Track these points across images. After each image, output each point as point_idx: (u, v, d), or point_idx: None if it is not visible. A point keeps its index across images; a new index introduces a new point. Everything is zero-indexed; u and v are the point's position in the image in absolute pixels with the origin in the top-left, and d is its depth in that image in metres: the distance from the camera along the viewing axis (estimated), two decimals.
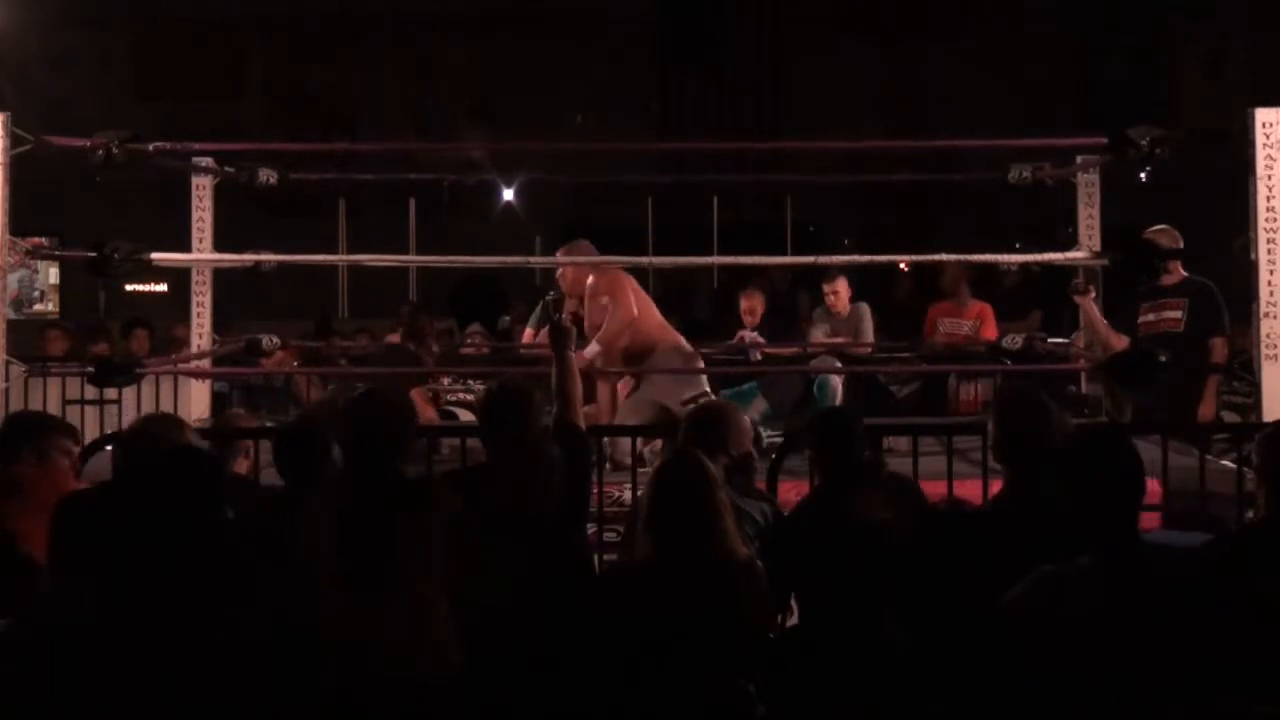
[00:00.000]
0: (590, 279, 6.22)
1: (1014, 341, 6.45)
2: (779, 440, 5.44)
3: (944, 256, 6.12)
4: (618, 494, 4.89)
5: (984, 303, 8.04)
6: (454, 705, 3.06)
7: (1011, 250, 6.24)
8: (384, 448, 3.36)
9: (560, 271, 6.33)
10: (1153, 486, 3.11)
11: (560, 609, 3.36)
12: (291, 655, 3.00)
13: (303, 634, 3.03)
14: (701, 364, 6.42)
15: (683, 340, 6.35)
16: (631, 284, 6.27)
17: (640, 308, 6.19)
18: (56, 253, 8.17)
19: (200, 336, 7.06)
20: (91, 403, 7.10)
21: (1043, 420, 3.56)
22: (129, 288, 14.17)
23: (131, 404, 6.96)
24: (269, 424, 5.43)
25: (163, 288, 13.92)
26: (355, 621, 3.10)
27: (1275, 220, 5.06)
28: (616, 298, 6.13)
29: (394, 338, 8.62)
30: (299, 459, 3.76)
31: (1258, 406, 5.15)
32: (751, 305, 7.57)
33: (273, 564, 3.19)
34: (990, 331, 7.82)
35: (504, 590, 3.30)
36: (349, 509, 3.21)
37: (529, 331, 7.62)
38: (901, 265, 10.05)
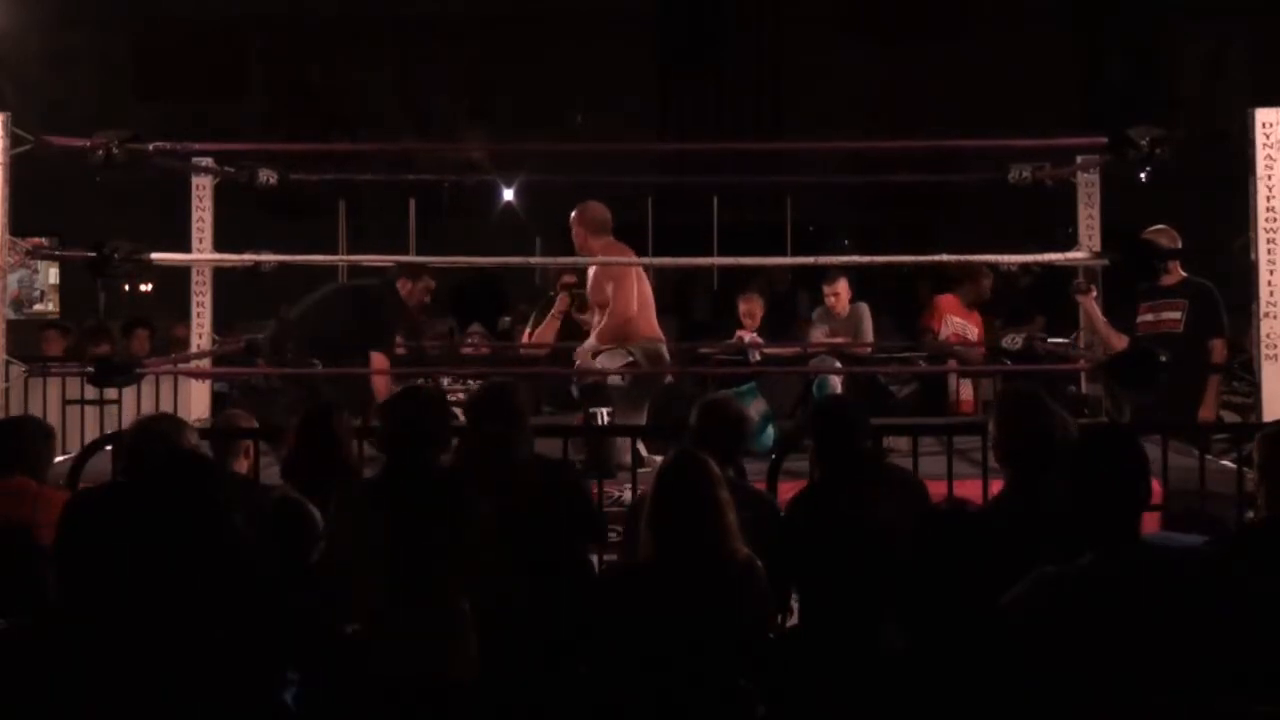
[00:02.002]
0: (596, 251, 6.24)
1: (1014, 341, 6.45)
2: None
3: (944, 257, 6.12)
4: (618, 494, 4.89)
5: (976, 312, 8.08)
6: (471, 708, 3.05)
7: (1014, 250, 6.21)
8: (422, 446, 3.34)
9: (576, 231, 6.34)
10: (1153, 486, 3.11)
11: (559, 610, 3.36)
12: (307, 654, 3.00)
13: (323, 634, 3.02)
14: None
15: (663, 343, 6.38)
16: (638, 274, 6.30)
17: (640, 301, 6.23)
18: (56, 253, 8.17)
19: (200, 336, 7.06)
20: (91, 403, 7.11)
21: (1045, 421, 3.56)
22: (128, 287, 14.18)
23: (131, 404, 6.96)
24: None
25: (148, 288, 13.90)
26: (390, 622, 3.09)
27: (1275, 220, 5.06)
28: (620, 291, 6.16)
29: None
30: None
31: (1258, 406, 5.15)
32: (750, 309, 7.57)
33: (288, 562, 3.18)
34: (981, 343, 7.90)
35: (504, 590, 3.30)
36: (390, 510, 3.19)
37: (528, 332, 7.62)
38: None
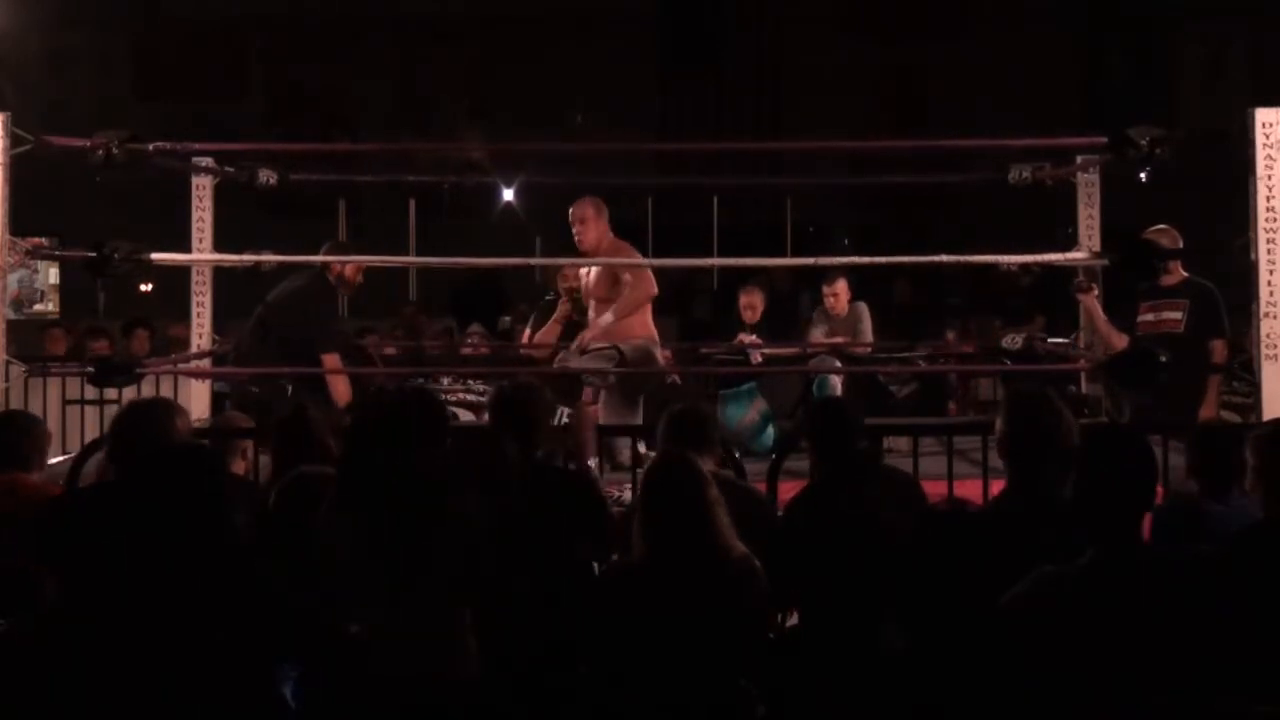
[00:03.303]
0: (609, 247, 6.25)
1: (1014, 341, 6.45)
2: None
3: (944, 257, 6.12)
4: (618, 494, 4.89)
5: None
6: (471, 709, 3.04)
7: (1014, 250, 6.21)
8: (418, 447, 3.31)
9: (578, 235, 6.35)
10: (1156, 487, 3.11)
11: (560, 610, 3.35)
12: (308, 652, 2.99)
13: (324, 632, 3.01)
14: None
15: (656, 344, 6.38)
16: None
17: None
18: (56, 253, 8.17)
19: (200, 336, 7.06)
20: (91, 403, 7.10)
21: (1054, 420, 3.55)
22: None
23: None
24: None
25: (148, 288, 13.91)
26: (388, 622, 3.08)
27: (1275, 220, 5.06)
28: (639, 274, 6.18)
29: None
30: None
31: (1258, 406, 5.15)
32: (751, 301, 7.58)
33: (285, 563, 3.18)
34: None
35: (504, 590, 3.29)
36: (384, 511, 3.17)
37: (528, 332, 7.63)
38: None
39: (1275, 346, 5.06)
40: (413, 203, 14.29)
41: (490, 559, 3.20)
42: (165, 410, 3.92)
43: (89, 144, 5.52)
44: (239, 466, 4.38)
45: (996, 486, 3.87)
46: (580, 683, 3.26)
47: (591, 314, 6.38)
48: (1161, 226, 6.10)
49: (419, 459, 3.29)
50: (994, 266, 7.05)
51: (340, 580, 3.16)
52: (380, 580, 3.09)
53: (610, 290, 6.25)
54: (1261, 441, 3.43)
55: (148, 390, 7.01)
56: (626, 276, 6.18)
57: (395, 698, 3.02)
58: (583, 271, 6.54)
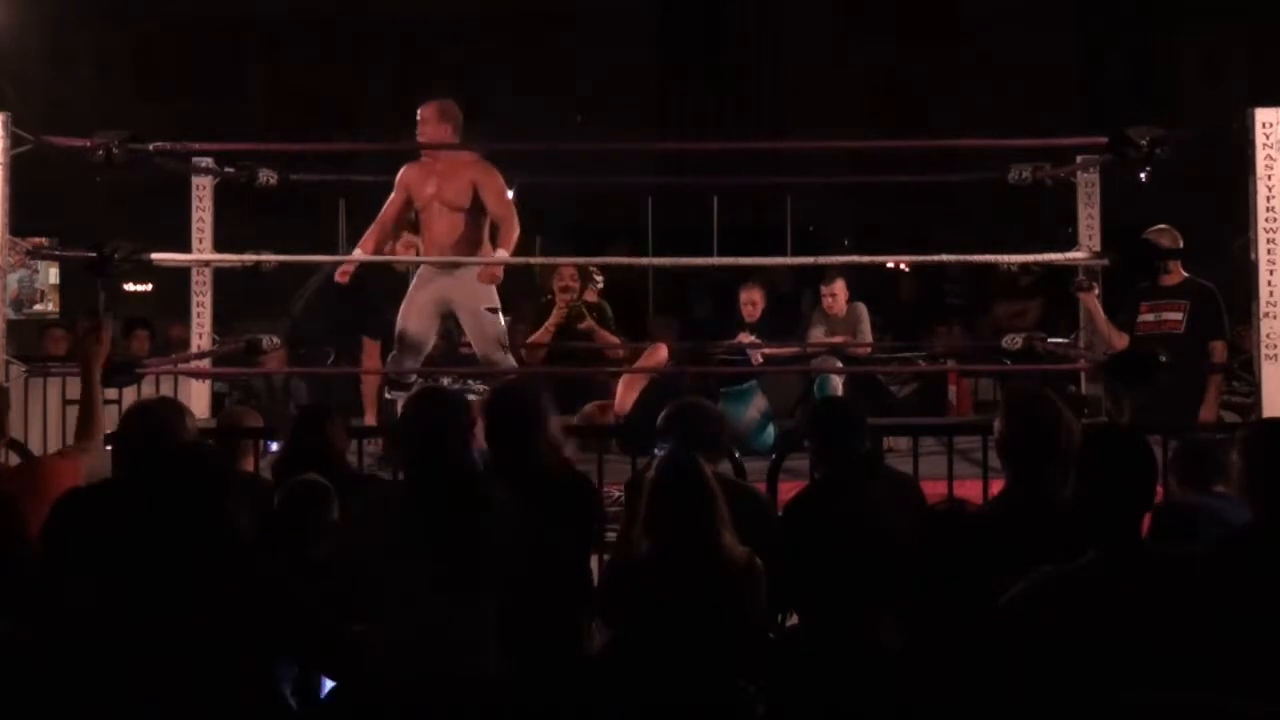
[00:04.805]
0: (462, 158, 6.28)
1: (1014, 341, 6.45)
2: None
3: (944, 257, 6.12)
4: (617, 493, 4.88)
5: None
6: (489, 707, 3.04)
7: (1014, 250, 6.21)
8: (452, 445, 3.30)
9: (437, 127, 6.38)
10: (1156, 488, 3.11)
11: (563, 611, 3.36)
12: (312, 653, 2.99)
13: (328, 632, 3.01)
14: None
15: None
16: None
17: None
18: (56, 253, 8.17)
19: (200, 336, 7.06)
20: None
21: (1054, 420, 3.55)
22: (128, 287, 14.18)
23: None
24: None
25: (148, 288, 13.88)
26: (423, 622, 3.07)
27: (1275, 220, 5.06)
28: (507, 199, 6.11)
29: None
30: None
31: (1258, 406, 5.15)
32: (751, 298, 7.59)
33: (289, 563, 3.18)
34: None
35: (521, 590, 3.29)
36: (425, 511, 3.16)
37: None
38: (902, 265, 10.09)
39: (1275, 346, 5.07)
40: None
41: (516, 558, 3.19)
42: (172, 410, 3.92)
43: (89, 144, 5.52)
44: (247, 464, 4.37)
45: (996, 486, 3.87)
46: (581, 681, 3.26)
47: (432, 219, 6.25)
48: (1161, 226, 6.10)
49: (457, 461, 3.28)
50: (994, 266, 7.05)
51: (372, 581, 3.14)
52: (425, 579, 3.07)
53: (467, 200, 6.12)
54: (1247, 442, 3.42)
55: (148, 390, 7.01)
56: (492, 199, 6.07)
57: (419, 696, 3.01)
58: (431, 179, 6.36)
